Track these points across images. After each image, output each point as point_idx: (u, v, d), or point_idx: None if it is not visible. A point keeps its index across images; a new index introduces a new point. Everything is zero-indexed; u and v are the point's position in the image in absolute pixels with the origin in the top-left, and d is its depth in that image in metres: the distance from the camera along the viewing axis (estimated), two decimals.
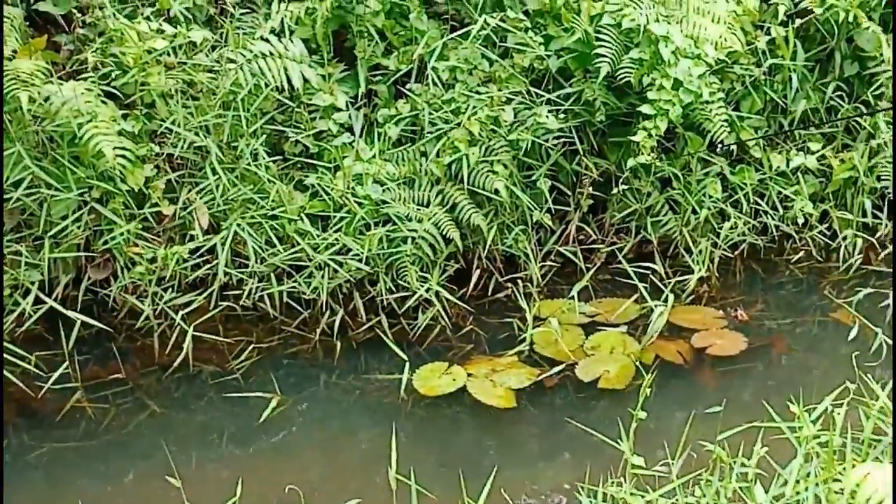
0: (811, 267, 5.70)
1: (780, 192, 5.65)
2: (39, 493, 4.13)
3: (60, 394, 4.55)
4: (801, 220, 5.66)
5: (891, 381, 3.63)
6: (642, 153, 5.15)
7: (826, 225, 5.77)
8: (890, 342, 4.69)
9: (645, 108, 5.11)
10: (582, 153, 5.44)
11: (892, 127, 5.68)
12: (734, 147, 5.44)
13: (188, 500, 3.58)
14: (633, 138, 5.16)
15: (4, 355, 4.51)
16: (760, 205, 5.64)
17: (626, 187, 5.48)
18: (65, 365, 4.59)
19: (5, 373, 4.49)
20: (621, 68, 5.16)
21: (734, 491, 3.37)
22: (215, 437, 4.43)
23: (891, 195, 5.76)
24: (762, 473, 3.35)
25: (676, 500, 3.38)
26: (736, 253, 5.62)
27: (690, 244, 5.49)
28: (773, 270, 5.69)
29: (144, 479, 4.15)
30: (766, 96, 5.64)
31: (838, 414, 3.38)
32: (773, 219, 5.65)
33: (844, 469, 3.11)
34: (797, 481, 3.17)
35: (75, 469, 4.22)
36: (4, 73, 4.38)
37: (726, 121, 5.26)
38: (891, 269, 5.51)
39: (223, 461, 4.30)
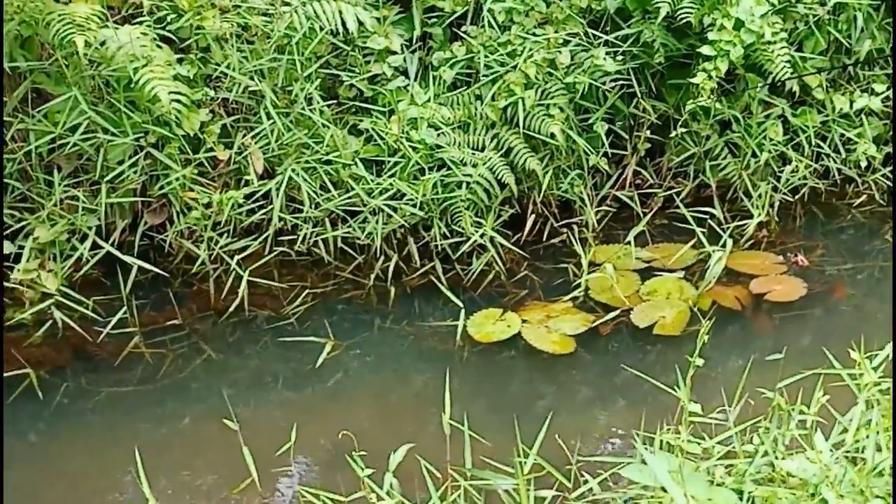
0: (873, 211, 5.58)
1: (842, 135, 5.53)
2: (96, 436, 4.17)
3: (118, 339, 4.59)
4: (863, 164, 5.53)
5: None
6: (702, 95, 5.06)
7: (889, 168, 5.63)
8: None
9: (705, 49, 5.00)
10: (640, 96, 5.35)
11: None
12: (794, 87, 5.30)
13: (245, 444, 3.60)
14: (692, 80, 5.07)
15: (62, 299, 4.56)
16: (822, 148, 5.52)
17: (684, 130, 5.38)
18: (122, 310, 4.63)
19: (63, 317, 4.55)
20: (681, 8, 5.05)
21: (792, 438, 3.32)
22: (270, 382, 4.46)
23: None
24: (822, 421, 3.30)
25: (733, 447, 3.34)
26: (796, 197, 5.52)
27: (750, 188, 5.40)
28: (834, 215, 5.59)
29: (200, 423, 4.20)
30: (830, 36, 5.48)
31: None
32: (836, 162, 5.53)
33: None
34: (857, 429, 3.11)
35: (132, 413, 4.27)
36: (60, 19, 4.36)
37: (789, 61, 5.12)
38: None
39: (278, 405, 4.33)
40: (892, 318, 4.49)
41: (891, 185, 5.62)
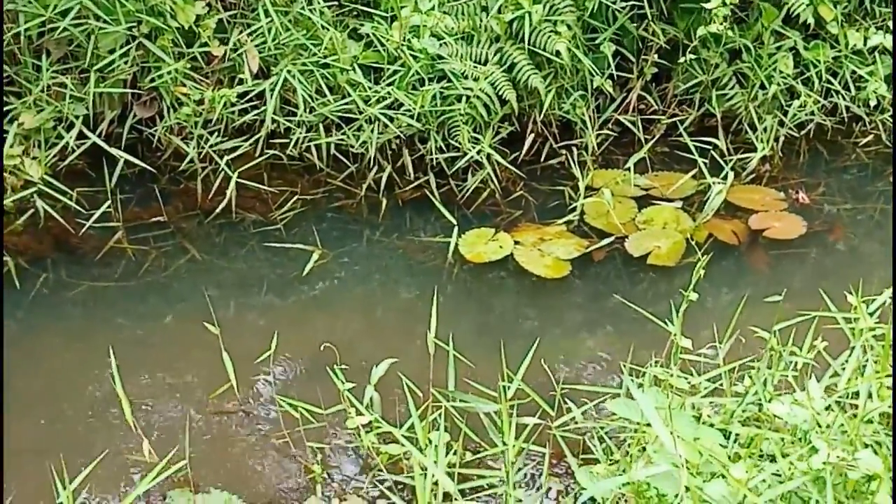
0: (878, 152, 5.47)
1: (854, 72, 5.39)
2: (75, 329, 4.12)
3: (101, 232, 4.50)
4: (873, 103, 5.41)
5: None
6: (714, 21, 4.93)
7: None
8: None
9: None
10: (650, 18, 5.18)
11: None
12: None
13: (225, 348, 3.53)
14: (705, 5, 4.93)
15: (45, 188, 4.46)
16: (832, 84, 5.39)
17: (693, 57, 5.25)
18: (107, 203, 4.53)
19: (45, 206, 4.44)
20: None
21: (782, 380, 3.26)
22: (254, 287, 4.38)
23: None
24: (814, 364, 3.24)
25: (721, 385, 3.28)
26: (802, 133, 5.40)
27: (755, 121, 5.28)
28: (838, 153, 5.47)
29: (181, 324, 4.13)
30: None
31: None
32: (845, 99, 5.40)
33: None
34: (850, 375, 3.05)
35: (112, 308, 4.20)
36: None
37: None
38: None
39: (261, 311, 4.26)
40: (892, 261, 4.41)
41: None
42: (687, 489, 2.42)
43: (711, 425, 2.95)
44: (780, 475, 2.58)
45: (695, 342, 3.37)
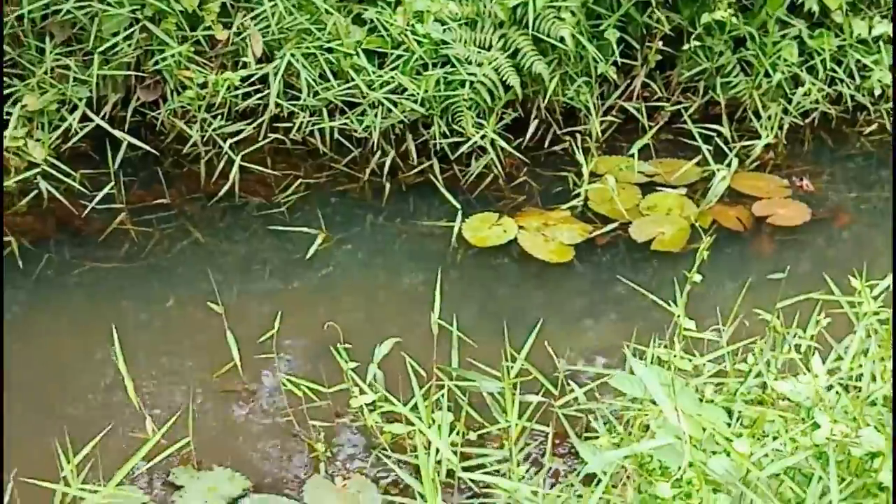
0: (883, 141, 5.46)
1: (858, 61, 5.39)
2: (78, 310, 4.12)
3: (104, 214, 4.50)
4: (877, 92, 5.41)
5: None
6: (718, 8, 4.93)
7: None
8: None
9: None
10: (654, 5, 5.18)
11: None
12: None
13: (229, 328, 3.53)
14: None
15: (48, 169, 4.46)
16: (837, 72, 5.38)
17: (697, 44, 5.24)
18: (110, 185, 4.53)
19: (49, 188, 4.44)
20: None
21: (785, 362, 3.26)
22: (258, 269, 4.38)
23: None
24: (817, 347, 3.23)
25: (725, 367, 3.28)
26: (806, 121, 5.40)
27: (760, 108, 5.27)
28: (843, 142, 5.47)
29: (185, 305, 4.13)
30: None
31: None
32: (849, 88, 5.40)
33: None
34: (853, 357, 3.05)
35: (115, 290, 4.20)
36: None
37: None
38: None
39: (265, 294, 4.26)
40: (892, 248, 4.41)
41: None
42: (690, 464, 2.42)
43: (714, 403, 2.95)
44: (783, 451, 2.57)
45: (699, 326, 3.36)
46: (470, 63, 4.83)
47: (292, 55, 4.72)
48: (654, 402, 2.69)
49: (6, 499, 3.13)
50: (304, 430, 3.51)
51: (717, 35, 5.25)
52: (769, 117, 5.23)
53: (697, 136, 5.00)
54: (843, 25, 5.36)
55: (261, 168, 4.76)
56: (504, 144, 4.90)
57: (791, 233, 4.72)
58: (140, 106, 4.85)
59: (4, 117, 4.45)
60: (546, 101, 5.06)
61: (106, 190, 4.50)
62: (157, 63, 4.68)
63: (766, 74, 5.27)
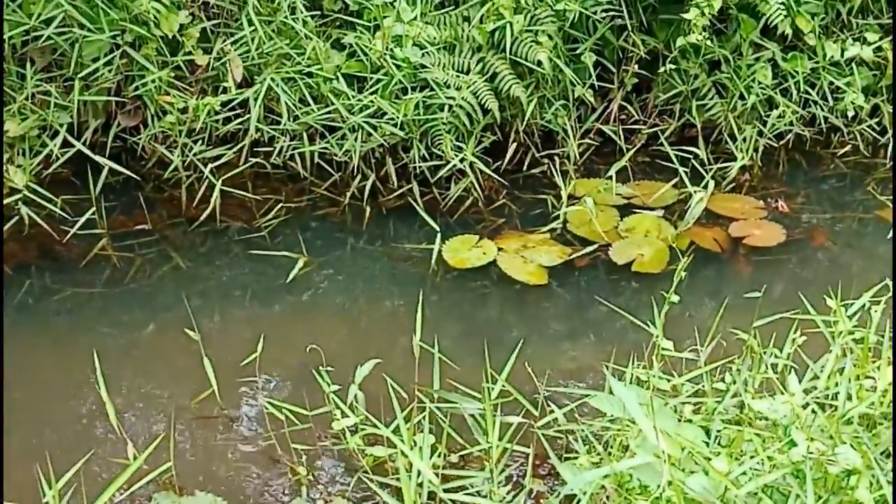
0: (857, 162, 5.54)
1: (831, 83, 5.46)
2: (58, 335, 4.12)
3: (85, 240, 4.51)
4: (850, 113, 5.49)
5: None
6: (693, 32, 4.99)
7: (876, 119, 5.59)
8: None
9: None
10: (630, 29, 5.24)
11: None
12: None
13: (207, 355, 3.55)
14: (684, 16, 5.00)
15: (30, 195, 4.46)
16: (810, 94, 5.45)
17: (672, 67, 5.31)
18: (91, 210, 4.54)
19: (30, 213, 4.45)
20: None
21: (762, 381, 3.30)
22: (239, 294, 4.39)
23: None
24: (794, 366, 3.27)
25: (703, 387, 3.32)
26: (781, 143, 5.46)
27: (735, 131, 5.34)
28: (817, 163, 5.54)
29: (165, 331, 4.14)
30: None
31: (875, 311, 3.27)
32: (823, 110, 5.47)
33: (878, 367, 3.02)
34: (829, 376, 3.09)
35: (96, 315, 4.20)
36: None
37: (783, 4, 5.03)
38: None
39: (246, 319, 4.27)
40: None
41: (876, 136, 5.57)
42: (669, 483, 2.45)
43: (692, 423, 2.98)
44: (760, 469, 2.60)
45: (677, 347, 3.39)
46: (449, 87, 4.87)
47: (272, 80, 4.75)
48: (633, 422, 2.72)
49: None
50: (285, 454, 3.52)
51: (692, 58, 5.32)
52: (744, 139, 5.29)
53: (674, 159, 5.06)
54: (816, 48, 5.43)
55: (242, 192, 4.78)
56: (483, 167, 4.94)
57: (767, 253, 4.77)
58: (121, 131, 4.86)
59: None
60: (524, 124, 5.11)
61: (87, 215, 4.51)
62: (137, 88, 4.69)
63: (741, 97, 5.34)
